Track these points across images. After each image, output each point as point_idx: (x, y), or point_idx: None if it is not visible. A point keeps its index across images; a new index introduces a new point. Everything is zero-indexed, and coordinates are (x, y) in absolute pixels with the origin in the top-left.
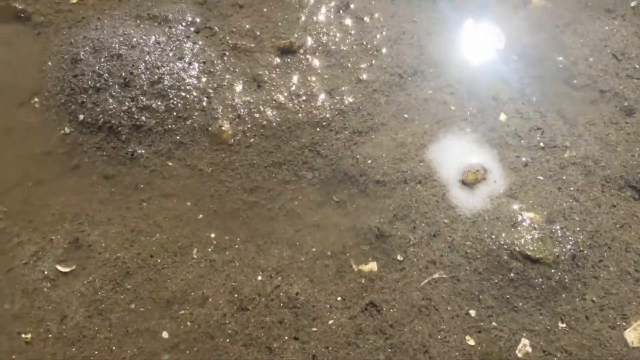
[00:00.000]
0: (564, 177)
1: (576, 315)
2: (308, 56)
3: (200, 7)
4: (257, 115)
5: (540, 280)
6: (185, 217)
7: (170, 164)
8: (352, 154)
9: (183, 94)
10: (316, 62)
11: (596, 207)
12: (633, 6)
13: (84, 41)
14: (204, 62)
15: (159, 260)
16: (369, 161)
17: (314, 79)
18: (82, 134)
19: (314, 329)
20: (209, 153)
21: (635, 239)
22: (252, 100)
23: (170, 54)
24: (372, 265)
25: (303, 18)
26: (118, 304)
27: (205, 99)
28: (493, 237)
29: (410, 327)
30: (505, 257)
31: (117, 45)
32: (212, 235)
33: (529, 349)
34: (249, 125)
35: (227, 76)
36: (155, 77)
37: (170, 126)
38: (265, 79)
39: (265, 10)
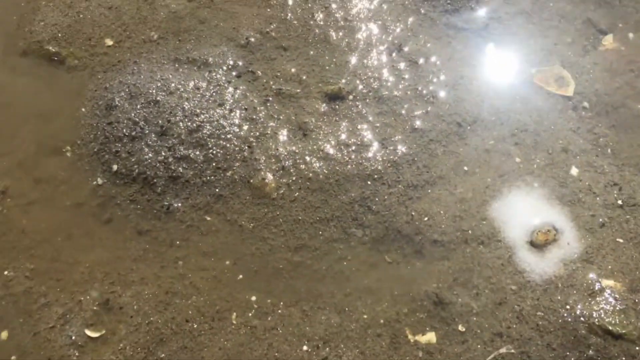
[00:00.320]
0: None
1: None
2: (358, 102)
3: (243, 50)
4: (302, 166)
5: (624, 358)
6: (224, 277)
7: (208, 218)
8: (406, 210)
9: (223, 143)
10: (367, 109)
11: None
12: None
13: (120, 86)
14: (245, 109)
15: (195, 326)
16: (426, 218)
17: (364, 127)
18: (115, 186)
19: None
20: (250, 207)
21: None
22: (297, 151)
23: (210, 100)
24: (430, 336)
25: (352, 61)
26: None
27: (247, 148)
28: (568, 307)
29: None
30: (583, 331)
31: (154, 91)
32: (253, 298)
33: None
34: (294, 178)
35: (271, 124)
36: (194, 125)
37: (209, 178)
38: (312, 127)
39: (311, 53)
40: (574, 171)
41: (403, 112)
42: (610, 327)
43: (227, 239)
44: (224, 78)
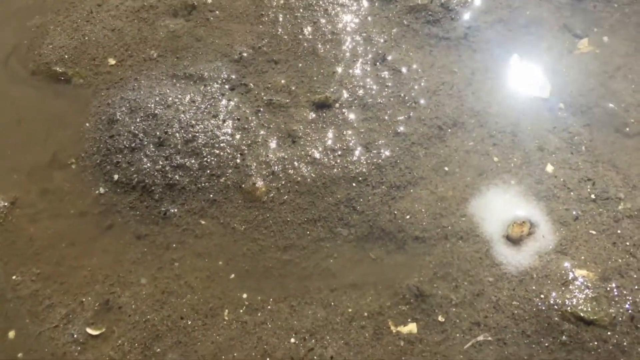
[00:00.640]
0: (619, 231)
1: None
2: (344, 110)
3: (236, 65)
4: (291, 171)
5: (596, 343)
6: (217, 277)
7: (203, 222)
8: (389, 209)
9: (217, 151)
10: (352, 116)
11: None
12: None
13: (121, 102)
14: (238, 119)
15: (189, 323)
16: (408, 216)
17: (349, 132)
18: (116, 194)
19: None
20: (242, 211)
21: None
22: (286, 156)
23: (205, 112)
24: (412, 327)
25: (339, 71)
26: None
27: (239, 156)
28: (542, 296)
29: None
30: (556, 318)
31: (152, 105)
32: (244, 295)
33: None
34: (283, 182)
35: (262, 132)
36: (190, 135)
37: (203, 184)
38: (300, 134)
39: (300, 65)
40: (550, 168)
41: (386, 117)
42: (582, 314)
43: (220, 241)
44: (218, 91)
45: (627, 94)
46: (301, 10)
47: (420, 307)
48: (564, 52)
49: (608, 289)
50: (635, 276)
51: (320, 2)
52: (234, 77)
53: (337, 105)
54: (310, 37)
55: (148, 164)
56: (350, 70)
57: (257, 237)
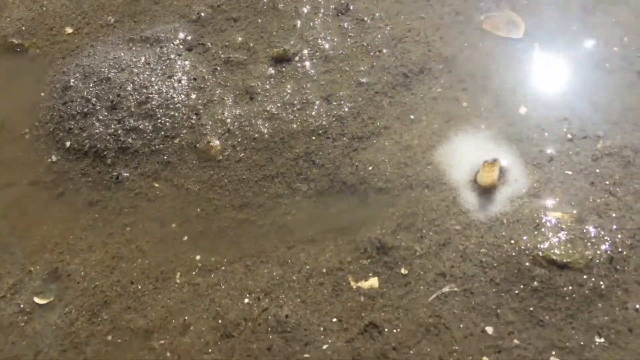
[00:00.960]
0: (598, 170)
1: (617, 328)
2: (304, 63)
3: (194, 25)
4: (247, 128)
5: (571, 288)
6: (169, 240)
7: (156, 185)
8: (351, 161)
9: (171, 112)
10: (313, 69)
11: (638, 202)
12: None
13: (76, 69)
14: (194, 79)
15: (139, 287)
16: (370, 167)
17: (309, 86)
18: (68, 161)
19: (306, 356)
20: (196, 171)
21: None
22: (242, 113)
23: (160, 74)
24: (373, 281)
25: (299, 25)
26: (94, 336)
27: (194, 116)
28: (512, 242)
29: (416, 349)
30: (527, 263)
31: (106, 70)
32: (198, 257)
33: None
34: (239, 139)
35: (218, 91)
36: (143, 97)
37: (157, 146)
38: (258, 90)
39: (259, 21)
40: (523, 110)
41: (348, 68)
42: (554, 257)
43: (173, 203)
44: (174, 52)
45: (608, 28)
46: None
47: (383, 260)
48: None
49: (584, 230)
50: (614, 215)
51: None
52: (191, 37)
53: (297, 58)
54: None
55: (100, 129)
56: (311, 23)
57: (212, 197)
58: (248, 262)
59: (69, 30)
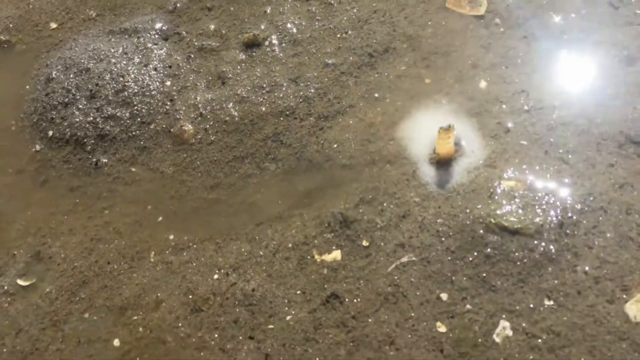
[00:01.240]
0: (552, 140)
1: (565, 291)
2: (274, 47)
3: (171, 15)
4: (219, 111)
5: (522, 253)
6: (145, 221)
7: (133, 169)
8: (317, 139)
9: (147, 99)
10: (282, 53)
11: (590, 168)
12: None
13: (58, 61)
14: (169, 67)
15: (115, 267)
16: (335, 145)
17: (278, 69)
18: (51, 150)
19: (271, 327)
20: (171, 155)
21: (638, 199)
22: (214, 98)
23: (136, 63)
24: (336, 254)
25: (269, 10)
26: (72, 314)
27: (169, 102)
28: (467, 211)
29: (375, 318)
30: (481, 231)
31: (85, 61)
32: (171, 237)
33: (509, 332)
34: (211, 123)
35: (192, 77)
36: (120, 85)
37: (134, 133)
38: (230, 75)
39: (232, 9)
40: (483, 84)
41: (316, 50)
42: (506, 224)
43: (149, 186)
44: (150, 42)
45: (567, 2)
46: None
47: (345, 233)
48: None
49: (536, 197)
50: (566, 182)
51: None
52: (167, 27)
53: (266, 43)
54: None
55: (80, 117)
56: (281, 8)
57: (185, 179)
58: (218, 239)
59: (54, 25)
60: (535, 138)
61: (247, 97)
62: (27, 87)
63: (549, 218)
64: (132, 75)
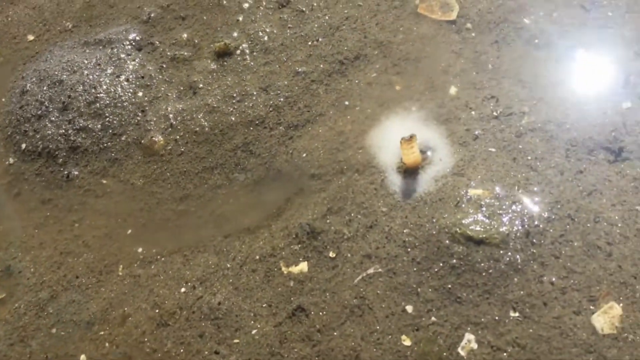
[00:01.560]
0: (521, 146)
1: (531, 302)
2: (246, 56)
3: (145, 25)
4: (189, 122)
5: (487, 264)
6: (114, 234)
7: (104, 181)
8: (286, 149)
9: (118, 110)
10: (253, 61)
11: (558, 175)
12: None
13: (33, 73)
14: (142, 77)
15: (83, 281)
16: (304, 155)
17: (249, 78)
18: (24, 163)
19: (236, 341)
20: (141, 166)
21: (606, 207)
22: (185, 108)
23: (109, 74)
24: (303, 266)
25: (242, 20)
26: (40, 329)
27: (140, 113)
28: (434, 220)
29: (340, 331)
30: (447, 241)
31: (59, 72)
32: (140, 249)
33: (474, 345)
34: (181, 133)
35: (163, 87)
36: (92, 97)
37: (105, 144)
38: (201, 85)
39: (205, 17)
40: (453, 90)
41: (286, 58)
42: (471, 234)
43: (119, 198)
44: (124, 52)
45: (538, 5)
46: None
47: (312, 244)
48: None
49: (503, 206)
50: (534, 190)
51: None
52: (141, 37)
53: (238, 52)
54: None
55: (52, 130)
56: (253, 17)
57: (155, 191)
58: (186, 252)
59: (31, 37)
60: (503, 145)
61: (218, 107)
62: (3, 99)
63: (515, 227)
64: (105, 87)
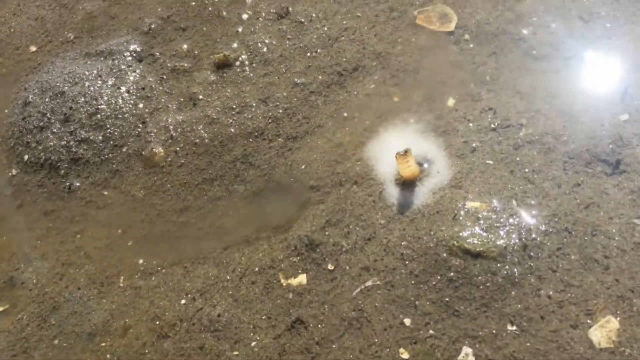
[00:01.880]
0: (518, 159)
1: (529, 315)
2: (245, 67)
3: (146, 36)
4: (189, 133)
5: (485, 277)
6: (115, 245)
7: (105, 193)
8: (285, 161)
9: (119, 122)
10: (252, 73)
11: (555, 188)
12: None
13: (35, 85)
14: (142, 88)
15: (85, 292)
16: (303, 166)
17: (248, 89)
18: (26, 174)
19: (235, 353)
20: (142, 178)
21: (604, 220)
22: (185, 120)
23: (110, 85)
24: (302, 278)
25: (241, 30)
26: (42, 341)
27: (141, 124)
28: (431, 233)
29: (339, 344)
30: (444, 254)
31: (60, 84)
32: (140, 261)
33: (472, 359)
34: (181, 145)
35: (164, 99)
36: (93, 109)
37: (107, 156)
38: (201, 96)
39: (205, 29)
40: (451, 102)
41: (285, 70)
42: (468, 247)
43: (120, 210)
44: (124, 64)
45: (536, 17)
46: None
47: (311, 257)
48: None
49: (500, 219)
50: (532, 203)
51: None
52: (141, 48)
53: (237, 63)
54: (215, 0)
55: (54, 141)
56: (253, 28)
57: (156, 202)
58: (186, 264)
59: (33, 48)
60: (501, 157)
61: (217, 119)
62: (6, 111)
63: (513, 240)
64: (106, 98)
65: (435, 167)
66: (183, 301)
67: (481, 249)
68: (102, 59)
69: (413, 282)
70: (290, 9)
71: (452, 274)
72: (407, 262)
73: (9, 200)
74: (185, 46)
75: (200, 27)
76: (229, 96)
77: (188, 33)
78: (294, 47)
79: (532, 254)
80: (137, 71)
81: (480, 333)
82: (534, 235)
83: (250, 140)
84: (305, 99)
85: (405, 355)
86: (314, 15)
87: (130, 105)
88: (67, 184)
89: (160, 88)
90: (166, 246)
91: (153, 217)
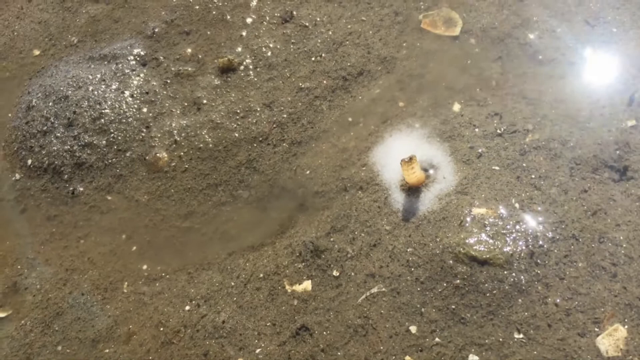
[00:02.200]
0: (524, 165)
1: (536, 323)
2: (249, 72)
3: (149, 40)
4: (193, 138)
5: (491, 284)
6: (119, 250)
7: (109, 198)
8: (290, 166)
9: (123, 126)
10: (256, 77)
11: (562, 195)
12: None
13: (39, 89)
14: (146, 93)
15: (89, 298)
16: (308, 172)
17: (253, 94)
18: (30, 179)
19: None
20: (146, 183)
21: (611, 227)
22: (189, 124)
23: (114, 89)
24: (307, 285)
25: (245, 34)
26: (45, 347)
27: (145, 129)
28: (437, 240)
29: (344, 351)
30: (450, 261)
31: (64, 88)
32: (145, 267)
33: None
34: (185, 150)
35: (168, 103)
36: (97, 113)
37: (110, 160)
38: (205, 101)
39: (209, 33)
40: (456, 107)
41: (290, 74)
42: (475, 254)
43: (124, 215)
44: (128, 68)
45: (542, 21)
46: None
47: (316, 263)
48: None
49: (507, 225)
50: (538, 209)
51: None
52: (145, 52)
53: (242, 67)
54: (219, 3)
55: (58, 146)
56: (257, 32)
57: (160, 208)
58: (191, 269)
59: (37, 52)
60: (507, 163)
61: (222, 123)
62: (10, 115)
63: (519, 247)
64: (109, 103)
65: (441, 172)
66: (187, 307)
67: (488, 256)
68: (105, 63)
69: (419, 289)
70: (294, 13)
71: (458, 281)
72: (412, 269)
73: (12, 205)
74: (189, 50)
75: (204, 31)
76: (233, 101)
77: (192, 37)
78: (299, 51)
79: (539, 261)
80: (141, 75)
81: (486, 341)
82: (540, 242)
83: (255, 145)
84: (310, 104)
85: None
86: (318, 19)
87: (134, 110)
88: (71, 188)
89: (164, 92)
90: (170, 252)
91: (157, 222)
